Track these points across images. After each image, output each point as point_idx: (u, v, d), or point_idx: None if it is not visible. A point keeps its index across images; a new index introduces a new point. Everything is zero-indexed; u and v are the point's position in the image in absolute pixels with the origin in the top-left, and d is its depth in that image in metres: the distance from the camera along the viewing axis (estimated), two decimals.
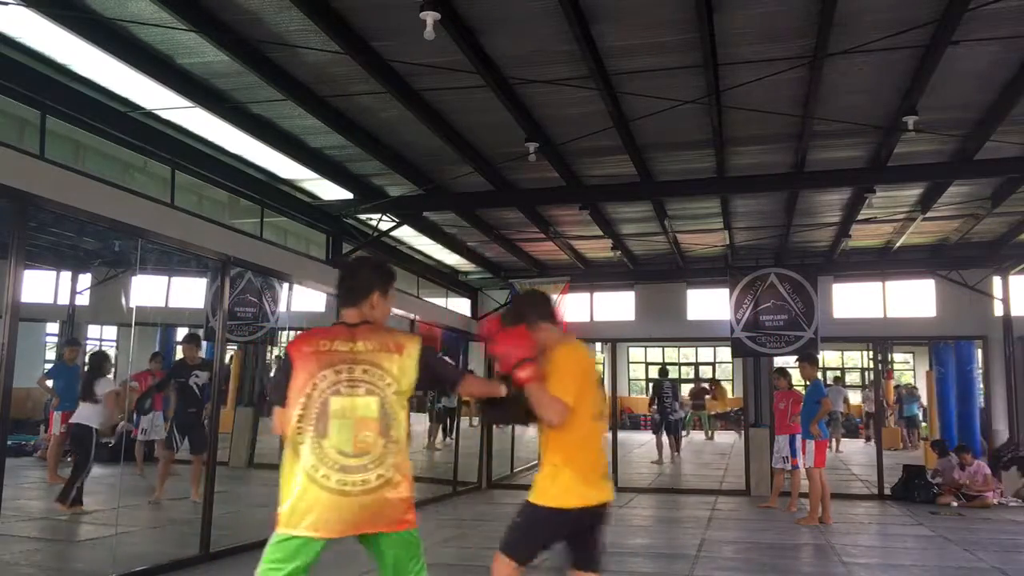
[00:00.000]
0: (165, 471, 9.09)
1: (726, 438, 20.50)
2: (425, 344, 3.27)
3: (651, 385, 18.87)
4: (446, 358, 3.31)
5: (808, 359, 9.75)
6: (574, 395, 3.35)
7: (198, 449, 8.95)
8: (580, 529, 3.45)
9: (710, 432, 21.38)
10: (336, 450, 3.01)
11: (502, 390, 3.37)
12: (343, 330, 3.21)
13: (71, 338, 12.13)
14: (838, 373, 22.72)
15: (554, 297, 12.59)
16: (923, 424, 16.60)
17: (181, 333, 14.23)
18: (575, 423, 3.37)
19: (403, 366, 3.14)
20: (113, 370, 9.18)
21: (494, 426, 3.62)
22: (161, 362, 12.04)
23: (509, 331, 3.43)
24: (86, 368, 8.89)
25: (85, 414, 8.24)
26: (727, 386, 23.79)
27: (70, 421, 8.48)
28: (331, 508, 2.98)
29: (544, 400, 3.31)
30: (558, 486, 3.37)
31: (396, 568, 3.14)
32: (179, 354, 10.10)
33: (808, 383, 9.79)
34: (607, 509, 3.49)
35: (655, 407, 15.90)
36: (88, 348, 13.09)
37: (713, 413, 21.73)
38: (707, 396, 20.78)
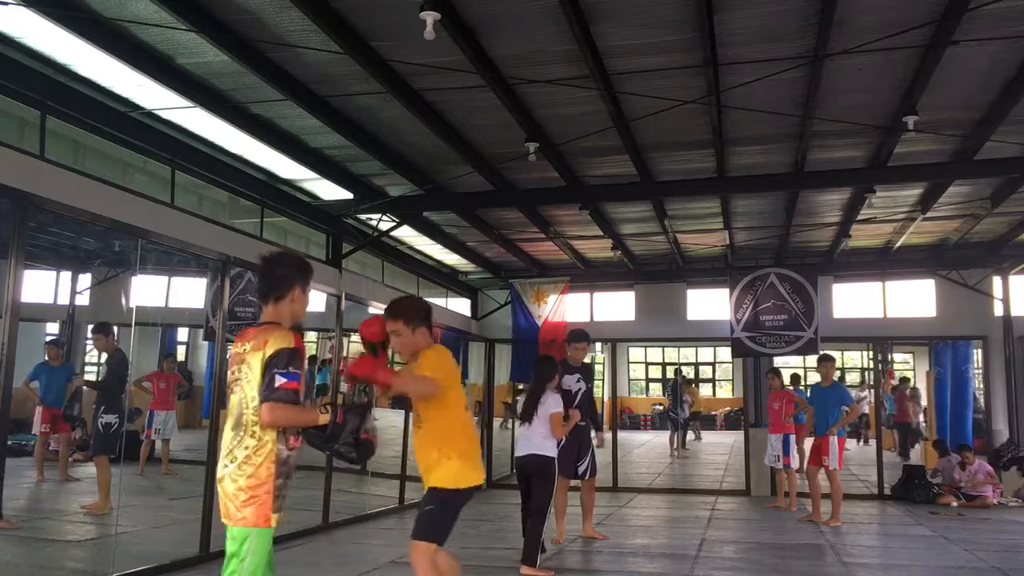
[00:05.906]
0: (100, 476, 7.95)
1: (708, 437, 20.40)
2: (284, 349, 3.06)
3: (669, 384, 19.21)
4: (289, 374, 3.07)
5: (829, 359, 9.46)
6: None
7: (92, 450, 8.24)
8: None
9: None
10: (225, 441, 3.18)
11: (318, 417, 3.16)
12: (249, 331, 3.23)
13: (55, 339, 11.89)
14: (855, 374, 22.58)
15: (554, 297, 12.60)
16: (923, 424, 16.51)
17: (182, 333, 14.29)
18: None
19: (258, 363, 3.08)
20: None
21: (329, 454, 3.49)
22: (175, 363, 12.01)
23: (361, 363, 3.70)
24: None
25: None
26: (727, 386, 23.72)
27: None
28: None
29: (416, 381, 3.74)
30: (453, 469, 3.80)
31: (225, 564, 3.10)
32: (180, 354, 10.08)
33: (825, 384, 9.43)
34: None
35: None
36: (87, 348, 13.06)
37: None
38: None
